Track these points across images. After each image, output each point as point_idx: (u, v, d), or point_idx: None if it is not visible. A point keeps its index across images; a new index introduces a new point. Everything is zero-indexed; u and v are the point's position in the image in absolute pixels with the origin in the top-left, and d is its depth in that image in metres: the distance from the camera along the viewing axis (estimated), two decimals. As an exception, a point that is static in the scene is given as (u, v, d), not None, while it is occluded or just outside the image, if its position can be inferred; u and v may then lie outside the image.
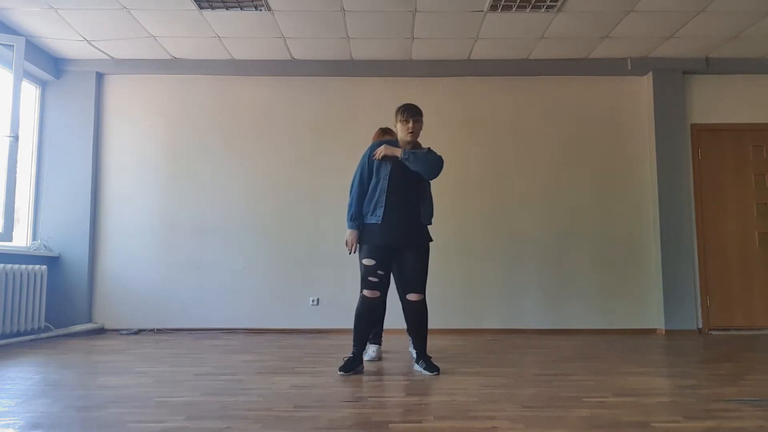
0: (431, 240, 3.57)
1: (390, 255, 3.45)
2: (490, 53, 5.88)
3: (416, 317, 3.49)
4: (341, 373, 3.36)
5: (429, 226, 4.13)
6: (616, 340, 5.19)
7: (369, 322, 3.48)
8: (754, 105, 6.06)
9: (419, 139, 4.22)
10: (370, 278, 3.43)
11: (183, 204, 6.00)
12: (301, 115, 6.11)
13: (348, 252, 3.56)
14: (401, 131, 3.49)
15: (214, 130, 6.09)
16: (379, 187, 3.45)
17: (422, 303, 3.49)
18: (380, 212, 3.42)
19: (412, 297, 3.47)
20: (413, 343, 3.56)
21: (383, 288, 3.46)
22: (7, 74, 5.15)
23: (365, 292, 3.45)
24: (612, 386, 2.99)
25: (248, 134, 6.09)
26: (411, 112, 3.46)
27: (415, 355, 3.95)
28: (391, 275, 3.61)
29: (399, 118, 3.49)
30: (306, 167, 6.04)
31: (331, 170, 5.99)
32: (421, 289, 3.48)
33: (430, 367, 3.41)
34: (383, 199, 3.43)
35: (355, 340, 3.48)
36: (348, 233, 3.51)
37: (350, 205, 3.52)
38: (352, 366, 3.41)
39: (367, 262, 3.44)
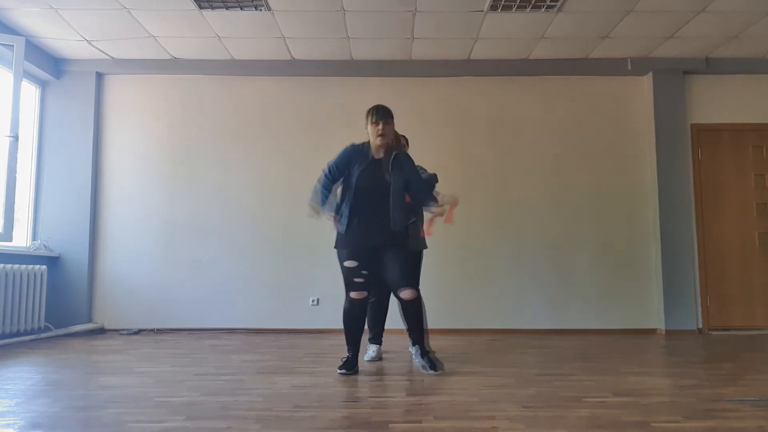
0: (411, 240, 3.53)
1: (371, 254, 3.40)
2: (490, 53, 5.88)
3: (412, 315, 3.43)
4: (342, 371, 3.35)
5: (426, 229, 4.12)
6: (616, 340, 5.19)
7: (360, 322, 3.45)
8: (754, 105, 6.06)
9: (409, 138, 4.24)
10: (355, 279, 3.39)
11: (183, 204, 6.00)
12: (301, 115, 6.10)
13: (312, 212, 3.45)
14: (371, 134, 3.43)
15: (213, 130, 6.08)
16: (347, 196, 3.42)
17: (417, 300, 3.41)
18: (345, 222, 3.39)
19: (405, 294, 3.39)
20: (412, 341, 3.53)
21: (370, 288, 3.44)
22: (7, 74, 5.15)
23: (353, 294, 3.40)
24: (612, 386, 2.99)
25: (248, 134, 6.08)
26: (381, 115, 3.40)
27: (415, 355, 3.95)
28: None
29: (369, 120, 3.43)
30: (306, 167, 6.02)
31: (331, 170, 5.98)
32: (412, 284, 3.40)
33: (431, 365, 3.38)
34: (347, 210, 3.39)
35: (348, 342, 3.45)
36: (311, 204, 3.43)
37: (320, 188, 3.45)
38: (352, 365, 3.39)
39: (349, 264, 3.38)
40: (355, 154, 3.47)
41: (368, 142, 3.50)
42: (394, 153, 3.49)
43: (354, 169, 3.42)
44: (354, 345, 3.46)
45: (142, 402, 2.62)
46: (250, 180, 6.03)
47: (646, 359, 3.98)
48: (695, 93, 6.09)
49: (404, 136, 4.12)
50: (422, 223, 4.08)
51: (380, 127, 3.39)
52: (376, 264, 3.44)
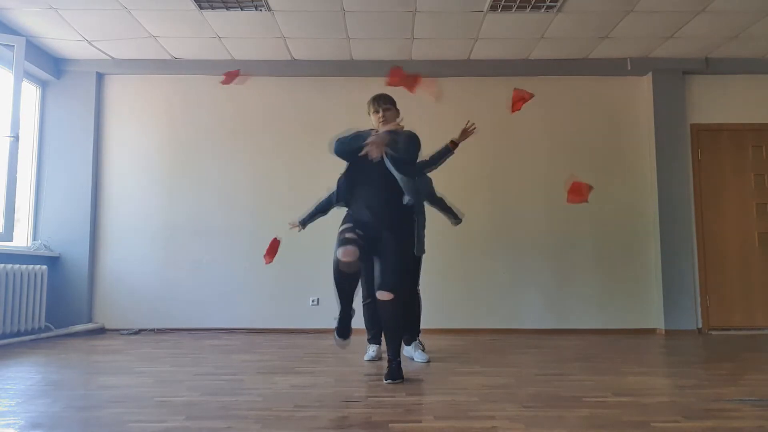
0: (412, 236, 3.34)
1: (368, 228, 3.20)
2: (490, 53, 5.88)
3: (383, 319, 3.25)
4: (339, 339, 3.30)
5: (425, 230, 4.05)
6: (616, 340, 5.19)
7: (347, 286, 3.21)
8: (754, 105, 6.06)
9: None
10: (346, 235, 3.13)
11: (183, 204, 6.00)
12: (301, 116, 6.10)
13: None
14: (374, 122, 3.39)
15: (214, 130, 6.08)
16: (347, 179, 3.35)
17: (391, 304, 3.17)
18: (353, 201, 3.34)
19: (380, 295, 3.19)
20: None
21: (360, 246, 3.11)
22: (7, 74, 5.15)
23: (339, 252, 3.08)
24: (612, 386, 2.99)
25: (248, 134, 6.08)
26: (380, 102, 3.37)
27: (409, 356, 3.92)
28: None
29: (370, 109, 3.40)
30: (306, 167, 6.03)
31: (331, 170, 5.96)
32: (391, 287, 3.16)
33: (391, 373, 3.13)
34: (351, 192, 3.34)
35: (339, 299, 3.27)
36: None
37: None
38: (346, 330, 3.29)
39: (343, 227, 3.22)
40: (362, 137, 3.26)
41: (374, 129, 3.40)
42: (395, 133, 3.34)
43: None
44: (343, 302, 3.26)
45: (142, 402, 2.62)
46: (250, 180, 6.03)
47: (646, 359, 3.98)
48: (695, 93, 6.09)
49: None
50: (424, 228, 4.08)
51: (381, 114, 3.36)
52: (372, 252, 3.26)
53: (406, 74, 3.61)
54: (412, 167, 3.38)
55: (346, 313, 3.33)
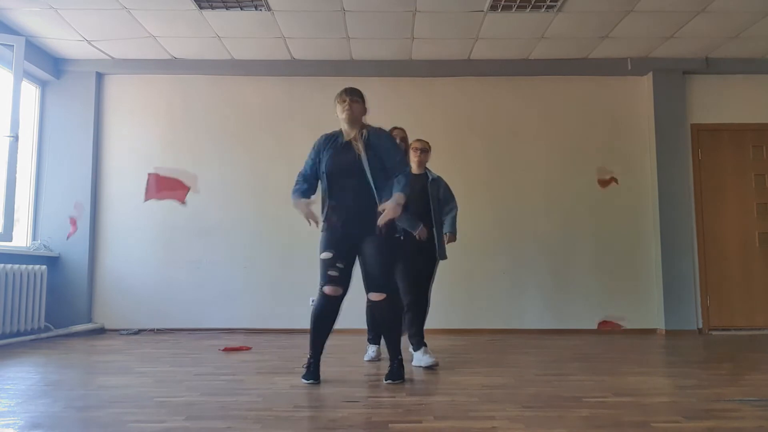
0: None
1: (349, 246, 3.16)
2: (490, 53, 5.87)
3: (380, 319, 3.24)
4: (309, 381, 3.09)
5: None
6: (616, 340, 5.19)
7: (328, 323, 3.17)
8: (754, 105, 6.06)
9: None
10: (329, 272, 3.11)
11: (183, 204, 5.99)
12: (301, 116, 6.10)
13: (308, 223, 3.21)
14: (339, 112, 3.26)
15: (213, 130, 6.08)
16: (321, 188, 3.25)
17: (384, 303, 3.15)
18: (324, 211, 3.22)
19: (372, 296, 3.17)
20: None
21: (345, 284, 3.14)
22: (7, 74, 5.15)
23: (325, 289, 3.11)
24: (612, 386, 2.99)
25: (248, 134, 6.08)
26: (348, 92, 3.26)
27: (417, 362, 3.82)
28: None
29: (336, 100, 3.27)
30: (306, 167, 6.02)
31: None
32: (381, 288, 3.14)
33: (392, 373, 3.13)
34: (326, 198, 3.22)
35: (312, 344, 3.17)
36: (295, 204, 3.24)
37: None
38: (317, 374, 3.13)
39: (324, 255, 3.14)
40: (325, 142, 3.29)
41: (340, 129, 3.34)
42: (363, 131, 3.25)
43: (323, 155, 3.25)
44: (316, 349, 3.17)
45: (142, 402, 2.62)
46: (250, 179, 6.02)
47: (646, 359, 3.98)
48: (695, 93, 6.09)
49: (402, 129, 4.08)
50: (442, 233, 4.06)
51: (347, 103, 3.21)
52: (356, 259, 3.21)
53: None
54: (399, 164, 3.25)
55: (316, 360, 3.17)
